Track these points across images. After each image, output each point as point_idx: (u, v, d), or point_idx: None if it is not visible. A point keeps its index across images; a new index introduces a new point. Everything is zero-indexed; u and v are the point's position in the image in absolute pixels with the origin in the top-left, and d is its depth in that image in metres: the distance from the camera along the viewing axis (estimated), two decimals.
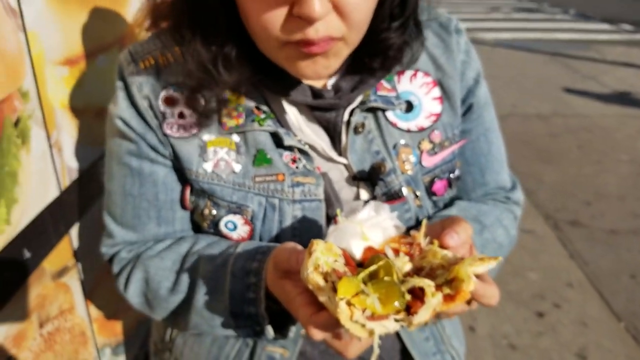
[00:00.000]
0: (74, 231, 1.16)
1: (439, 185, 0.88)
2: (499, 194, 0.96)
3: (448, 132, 0.88)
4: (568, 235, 3.30)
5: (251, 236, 0.83)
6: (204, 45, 0.72)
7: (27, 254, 0.98)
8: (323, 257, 0.57)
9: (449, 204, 0.92)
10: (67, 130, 1.11)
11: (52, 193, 1.06)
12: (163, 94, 0.80)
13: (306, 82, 0.79)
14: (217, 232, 0.84)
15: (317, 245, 0.57)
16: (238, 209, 0.81)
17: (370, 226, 0.65)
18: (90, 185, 1.21)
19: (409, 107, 0.86)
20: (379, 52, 0.78)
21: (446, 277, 0.57)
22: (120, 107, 0.82)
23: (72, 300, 1.16)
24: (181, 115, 0.80)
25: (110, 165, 0.87)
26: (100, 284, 1.28)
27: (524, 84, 6.59)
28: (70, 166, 1.12)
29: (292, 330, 0.77)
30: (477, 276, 0.60)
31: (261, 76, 0.77)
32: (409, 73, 0.86)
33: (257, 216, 0.81)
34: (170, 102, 0.80)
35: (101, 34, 1.23)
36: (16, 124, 0.93)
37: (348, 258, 0.61)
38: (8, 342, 0.94)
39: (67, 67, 1.10)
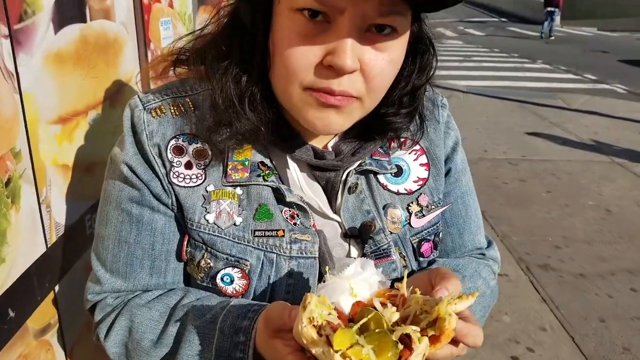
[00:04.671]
0: (57, 288, 1.14)
1: (426, 247, 0.92)
2: (475, 252, 1.02)
3: (434, 195, 0.93)
4: (539, 279, 3.37)
5: (246, 290, 0.83)
6: (234, 81, 0.76)
7: (11, 314, 0.96)
8: (317, 309, 0.59)
9: (431, 263, 0.96)
10: (57, 186, 1.11)
11: (39, 249, 1.05)
12: (172, 142, 0.82)
13: (310, 142, 0.83)
14: (212, 285, 0.84)
15: (311, 298, 0.59)
16: (237, 262, 0.82)
17: (357, 282, 0.68)
18: (76, 241, 1.20)
19: (399, 171, 0.91)
20: (385, 132, 0.84)
21: (429, 318, 0.60)
22: (127, 153, 0.83)
23: (54, 358, 1.14)
24: (188, 166, 0.82)
25: (106, 209, 0.86)
26: (82, 341, 1.26)
27: (493, 130, 6.79)
28: (57, 222, 1.12)
29: None
30: (461, 317, 0.64)
31: (271, 132, 0.81)
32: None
33: (255, 270, 0.82)
34: (178, 151, 0.82)
35: (93, 92, 1.25)
36: (7, 184, 0.94)
37: (339, 312, 0.63)
38: None
39: (60, 125, 1.11)
